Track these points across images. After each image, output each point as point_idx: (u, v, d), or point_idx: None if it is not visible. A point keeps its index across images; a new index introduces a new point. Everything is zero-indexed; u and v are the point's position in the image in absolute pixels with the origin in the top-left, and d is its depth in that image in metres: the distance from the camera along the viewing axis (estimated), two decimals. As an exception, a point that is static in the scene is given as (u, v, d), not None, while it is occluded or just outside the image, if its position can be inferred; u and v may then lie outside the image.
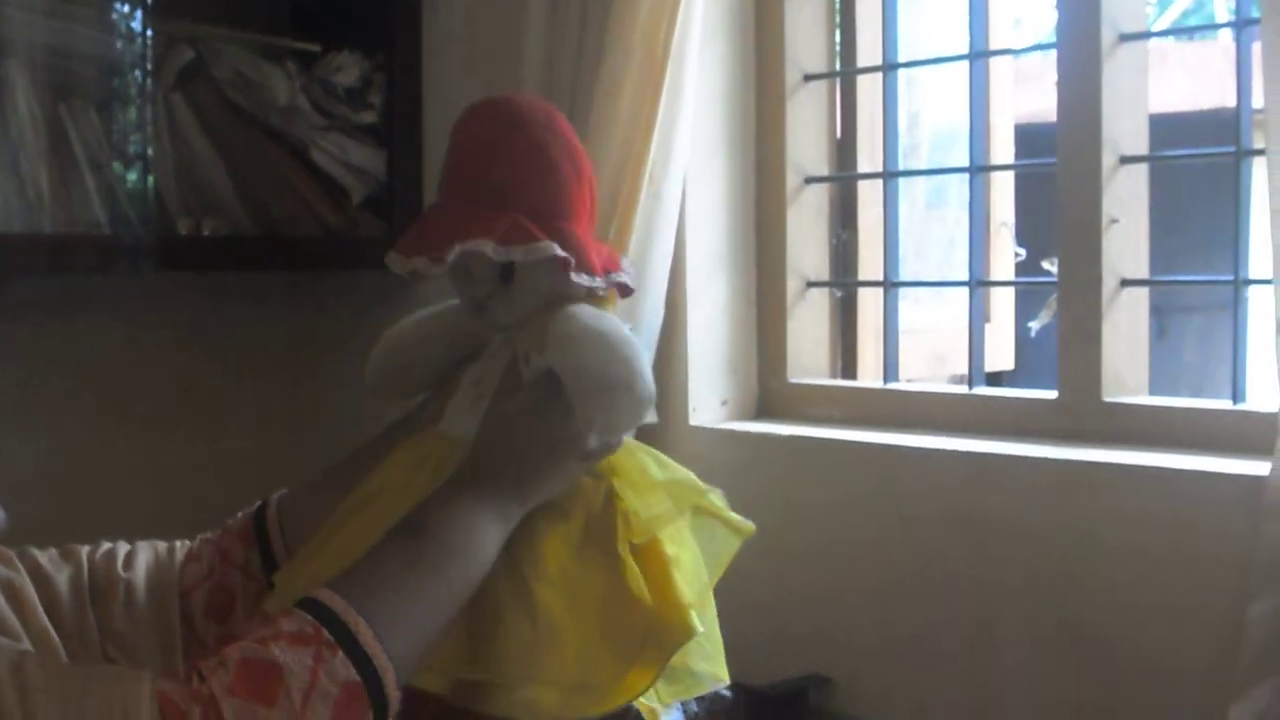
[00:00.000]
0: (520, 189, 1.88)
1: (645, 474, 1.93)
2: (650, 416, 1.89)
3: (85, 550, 1.95)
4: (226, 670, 1.55)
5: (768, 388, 2.97)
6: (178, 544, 2.01)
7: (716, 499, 1.98)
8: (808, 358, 2.98)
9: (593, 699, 1.81)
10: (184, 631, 1.93)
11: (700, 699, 2.00)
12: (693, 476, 1.98)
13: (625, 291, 1.98)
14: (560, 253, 1.84)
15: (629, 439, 1.95)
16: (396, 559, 1.69)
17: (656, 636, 1.81)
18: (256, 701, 1.53)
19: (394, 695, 1.61)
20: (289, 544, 2.03)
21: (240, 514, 2.08)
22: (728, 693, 1.98)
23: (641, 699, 1.86)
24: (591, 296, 1.91)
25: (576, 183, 1.92)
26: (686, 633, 1.82)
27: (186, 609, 1.95)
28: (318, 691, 1.55)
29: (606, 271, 1.92)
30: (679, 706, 1.97)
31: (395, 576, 1.67)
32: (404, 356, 2.07)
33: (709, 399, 2.89)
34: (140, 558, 1.95)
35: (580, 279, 1.87)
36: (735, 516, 1.98)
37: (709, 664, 1.94)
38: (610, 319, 1.88)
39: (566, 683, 1.80)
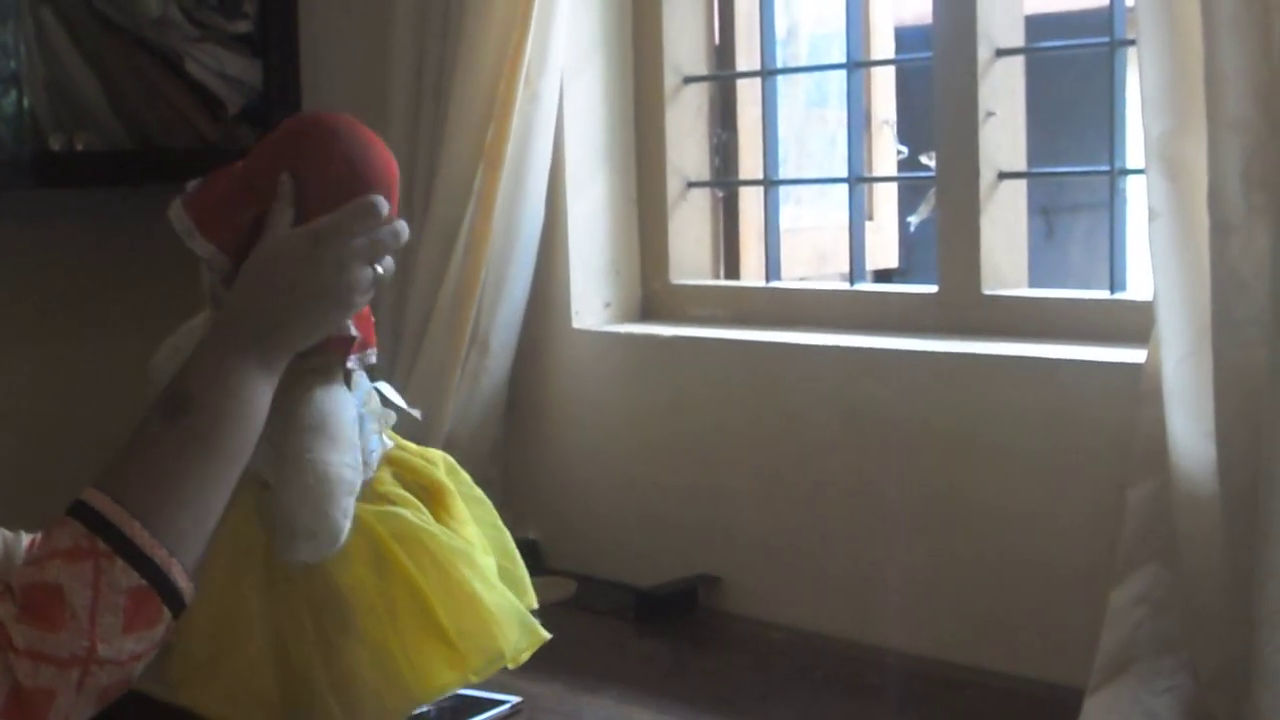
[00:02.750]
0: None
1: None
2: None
3: None
4: (13, 597, 1.52)
5: (650, 289, 2.96)
6: (22, 533, 1.97)
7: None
8: (690, 258, 2.97)
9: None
10: None
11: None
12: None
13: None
14: None
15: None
16: (165, 442, 1.60)
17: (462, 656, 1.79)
18: (43, 627, 1.50)
19: (185, 584, 1.57)
20: None
21: None
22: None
23: None
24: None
25: None
26: (497, 657, 1.81)
27: None
28: (103, 604, 1.52)
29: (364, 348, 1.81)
30: None
31: (167, 462, 1.59)
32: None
33: (592, 302, 2.89)
34: None
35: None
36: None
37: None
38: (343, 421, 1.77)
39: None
